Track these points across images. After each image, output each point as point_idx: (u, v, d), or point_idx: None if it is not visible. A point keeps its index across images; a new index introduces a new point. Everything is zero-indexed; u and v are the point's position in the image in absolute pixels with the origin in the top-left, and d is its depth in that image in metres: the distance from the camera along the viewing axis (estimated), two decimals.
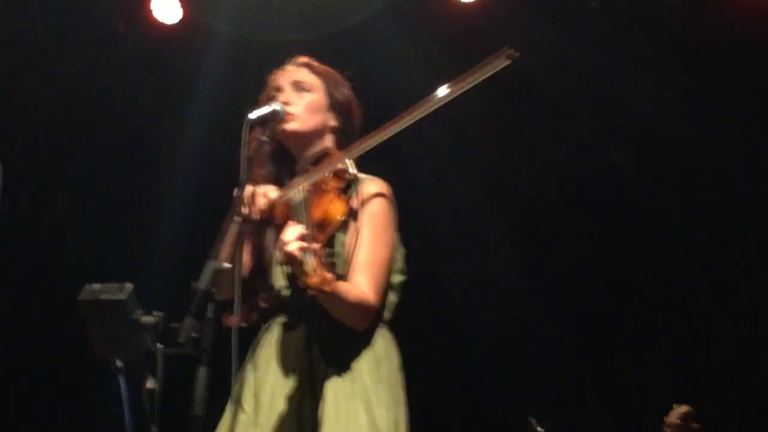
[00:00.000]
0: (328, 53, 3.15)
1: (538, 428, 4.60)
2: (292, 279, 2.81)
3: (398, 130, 2.79)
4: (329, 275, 2.39)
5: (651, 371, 5.23)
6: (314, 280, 2.38)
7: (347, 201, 2.80)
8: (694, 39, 5.14)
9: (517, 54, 2.65)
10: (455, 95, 2.73)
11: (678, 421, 3.86)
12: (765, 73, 5.10)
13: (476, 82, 2.69)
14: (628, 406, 5.12)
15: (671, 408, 3.94)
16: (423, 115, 2.76)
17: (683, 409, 3.90)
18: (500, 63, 2.65)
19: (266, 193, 2.83)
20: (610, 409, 5.21)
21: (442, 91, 2.74)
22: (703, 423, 3.91)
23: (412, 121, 2.77)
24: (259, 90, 3.08)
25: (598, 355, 5.33)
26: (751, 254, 5.20)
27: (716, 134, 5.12)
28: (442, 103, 2.74)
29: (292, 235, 2.53)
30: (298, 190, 2.79)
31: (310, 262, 2.41)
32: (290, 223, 2.67)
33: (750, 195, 5.15)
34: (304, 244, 2.47)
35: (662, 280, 5.37)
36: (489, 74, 2.67)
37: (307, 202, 2.72)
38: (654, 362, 5.26)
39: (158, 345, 2.37)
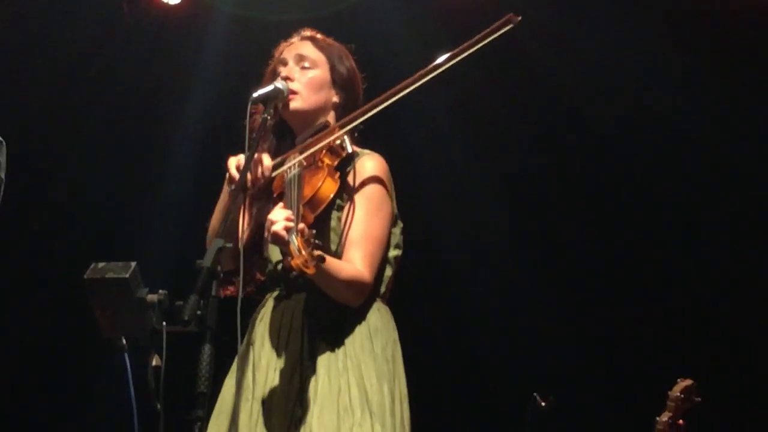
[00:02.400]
0: (331, 32, 3.14)
1: (542, 404, 4.62)
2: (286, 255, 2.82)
3: (398, 98, 2.82)
4: (316, 253, 2.40)
5: (655, 346, 5.23)
6: (297, 261, 2.40)
7: (340, 178, 2.80)
8: (693, 12, 5.12)
9: (519, 18, 2.67)
10: (457, 61, 2.76)
11: (680, 395, 3.88)
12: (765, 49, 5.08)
13: (477, 48, 2.73)
14: (632, 381, 5.13)
15: (675, 382, 3.95)
16: (425, 81, 2.79)
17: (686, 382, 3.92)
18: (502, 29, 2.68)
19: (261, 161, 2.83)
20: (614, 383, 5.22)
21: (443, 58, 2.77)
22: (705, 397, 3.92)
23: (413, 88, 2.79)
24: (260, 69, 3.08)
25: (602, 329, 5.34)
26: (755, 224, 5.20)
27: (715, 109, 5.10)
28: (442, 69, 2.77)
29: (279, 215, 2.55)
30: (292, 165, 2.80)
31: (295, 243, 2.42)
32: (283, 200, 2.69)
33: (749, 170, 5.14)
34: (290, 224, 2.50)
35: (666, 254, 5.36)
36: (489, 40, 2.70)
37: (300, 179, 2.73)
38: (658, 337, 5.26)
39: (163, 323, 2.38)
